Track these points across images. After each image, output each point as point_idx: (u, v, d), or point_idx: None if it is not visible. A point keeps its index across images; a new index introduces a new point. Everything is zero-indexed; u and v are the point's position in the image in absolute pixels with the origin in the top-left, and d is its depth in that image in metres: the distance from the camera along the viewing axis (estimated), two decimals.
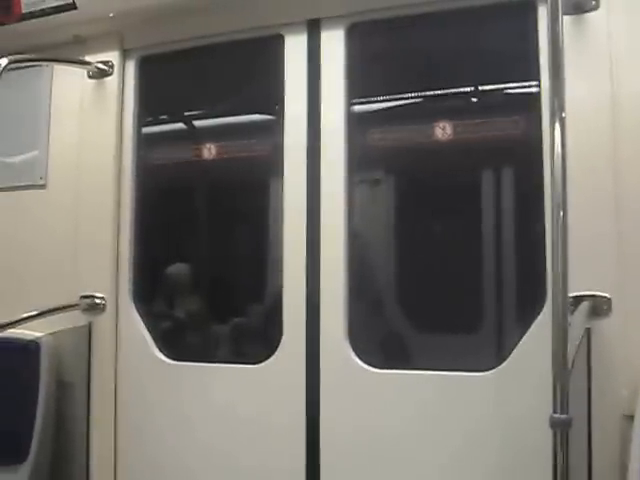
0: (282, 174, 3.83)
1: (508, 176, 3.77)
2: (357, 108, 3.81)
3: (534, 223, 3.27)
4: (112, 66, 4.19)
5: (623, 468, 2.80)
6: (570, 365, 2.44)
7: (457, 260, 3.71)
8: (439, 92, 3.86)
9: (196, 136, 4.45)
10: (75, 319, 4.12)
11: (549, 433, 2.37)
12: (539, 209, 3.21)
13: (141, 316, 4.12)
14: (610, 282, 3.07)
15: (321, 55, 3.78)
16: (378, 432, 3.54)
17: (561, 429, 2.35)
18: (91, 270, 4.15)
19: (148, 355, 4.05)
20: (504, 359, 3.31)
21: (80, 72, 4.24)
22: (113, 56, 4.19)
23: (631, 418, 2.83)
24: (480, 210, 3.73)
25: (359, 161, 3.75)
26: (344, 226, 3.66)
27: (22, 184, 4.39)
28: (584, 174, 3.05)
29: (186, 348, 4.31)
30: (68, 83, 4.33)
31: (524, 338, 3.26)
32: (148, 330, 4.10)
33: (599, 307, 3.06)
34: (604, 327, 3.05)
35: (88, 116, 4.24)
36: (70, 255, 4.17)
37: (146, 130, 4.33)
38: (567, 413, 2.34)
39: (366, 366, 3.58)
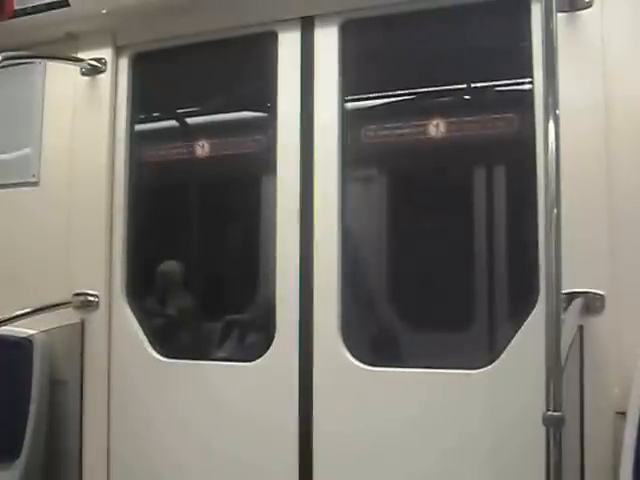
0: (275, 172, 3.83)
1: (501, 173, 3.77)
2: (351, 105, 3.80)
3: (527, 220, 3.27)
4: (105, 63, 4.18)
5: (615, 465, 2.81)
6: (563, 362, 2.44)
7: (450, 258, 3.71)
8: (433, 89, 3.86)
9: (189, 133, 4.45)
10: (68, 316, 4.11)
11: (542, 430, 2.38)
12: (532, 206, 3.21)
13: (134, 313, 4.12)
14: (603, 279, 3.07)
15: (315, 52, 3.79)
16: (371, 429, 3.54)
17: (554, 426, 2.35)
18: (84, 267, 4.14)
19: (141, 353, 4.05)
20: (497, 357, 3.32)
21: (73, 69, 4.24)
22: (106, 53, 4.19)
23: (623, 415, 2.84)
24: (473, 207, 3.74)
25: (353, 159, 3.75)
26: (337, 224, 3.67)
27: (15, 181, 4.39)
28: (577, 171, 3.06)
29: (179, 346, 4.31)
30: (61, 80, 4.33)
31: (517, 335, 3.26)
32: (141, 327, 4.09)
33: (592, 304, 3.06)
34: (597, 324, 3.05)
35: (81, 113, 4.23)
36: (63, 252, 4.17)
37: (139, 127, 4.32)
38: (560, 411, 2.34)
39: (359, 364, 3.59)
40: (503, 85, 3.71)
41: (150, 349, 4.05)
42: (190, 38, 4.05)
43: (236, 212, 4.38)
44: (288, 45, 3.84)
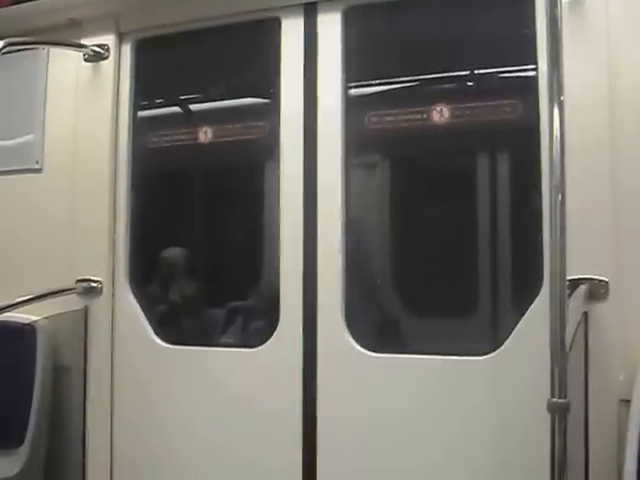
0: (279, 158, 3.83)
1: (505, 160, 3.77)
2: (354, 92, 3.80)
3: (531, 207, 3.27)
4: (108, 49, 4.16)
5: (620, 452, 2.81)
6: (568, 349, 2.44)
7: (454, 244, 3.71)
8: (436, 75, 3.85)
9: (192, 119, 4.44)
10: (71, 303, 4.11)
11: (547, 417, 2.38)
12: (536, 193, 3.21)
13: (137, 299, 4.12)
14: (607, 265, 3.07)
15: (318, 38, 3.77)
16: (375, 416, 3.55)
17: (559, 413, 2.36)
18: (87, 253, 4.14)
19: (144, 339, 4.06)
20: (502, 343, 3.32)
21: (76, 55, 4.22)
22: (109, 39, 4.17)
23: (628, 402, 2.85)
24: (477, 194, 3.74)
25: (356, 144, 3.75)
26: (341, 209, 3.66)
27: (18, 168, 4.38)
28: (581, 158, 3.05)
29: (183, 332, 4.31)
30: (64, 66, 4.31)
31: (521, 322, 3.26)
32: (144, 313, 4.10)
33: (596, 291, 3.07)
34: (601, 311, 3.06)
35: (84, 99, 4.22)
36: (66, 238, 4.16)
37: (142, 113, 4.31)
38: (565, 397, 2.35)
39: (363, 350, 3.59)
40: (507, 72, 3.70)
41: (153, 335, 4.06)
42: (193, 24, 4.04)
43: (239, 198, 4.38)
44: (291, 31, 3.83)
